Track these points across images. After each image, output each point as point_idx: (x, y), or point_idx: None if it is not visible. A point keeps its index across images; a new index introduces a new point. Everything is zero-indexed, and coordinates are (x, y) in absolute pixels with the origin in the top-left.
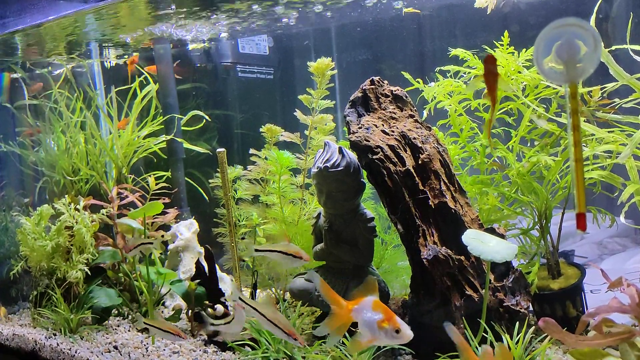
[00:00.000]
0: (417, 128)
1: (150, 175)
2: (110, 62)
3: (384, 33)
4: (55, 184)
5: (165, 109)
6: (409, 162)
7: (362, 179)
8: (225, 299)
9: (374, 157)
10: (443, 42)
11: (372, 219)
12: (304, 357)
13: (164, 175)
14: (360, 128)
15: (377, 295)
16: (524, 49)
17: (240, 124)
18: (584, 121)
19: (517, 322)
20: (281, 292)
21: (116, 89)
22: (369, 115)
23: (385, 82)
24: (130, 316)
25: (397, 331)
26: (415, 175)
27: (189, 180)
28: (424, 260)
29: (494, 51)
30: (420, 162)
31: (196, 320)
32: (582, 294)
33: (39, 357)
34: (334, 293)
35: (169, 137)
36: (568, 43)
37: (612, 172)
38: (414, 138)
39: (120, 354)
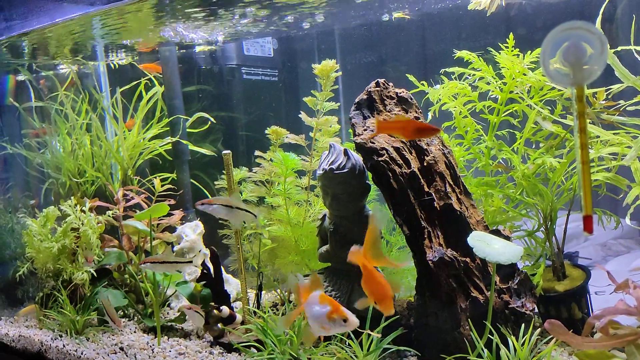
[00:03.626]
0: None
1: (155, 177)
2: (114, 63)
3: (388, 35)
4: (61, 185)
5: (171, 110)
6: (414, 164)
7: (367, 181)
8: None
9: (379, 159)
10: (448, 44)
11: None
12: (309, 358)
13: (170, 177)
14: (365, 130)
15: (322, 290)
16: (529, 51)
17: (245, 125)
18: (589, 123)
19: (523, 324)
20: (286, 293)
21: (121, 89)
22: (374, 117)
23: (390, 84)
24: (135, 317)
25: (345, 320)
26: (420, 177)
27: (194, 182)
28: (430, 262)
29: (499, 53)
30: (425, 164)
31: None
32: (588, 296)
33: (45, 358)
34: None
35: (174, 139)
36: (575, 46)
37: (617, 174)
38: (419, 140)
39: (127, 355)
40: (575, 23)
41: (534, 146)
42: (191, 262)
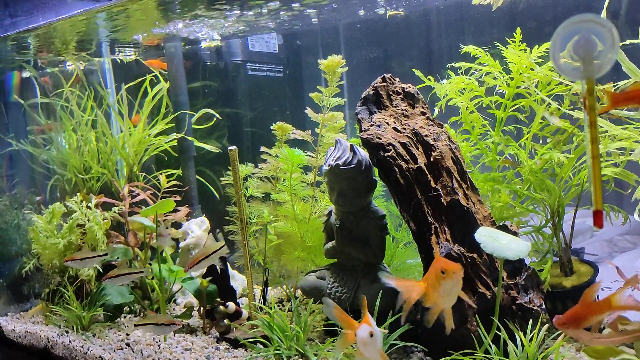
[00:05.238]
0: (428, 125)
1: (161, 173)
2: (119, 58)
3: (394, 30)
4: (66, 182)
5: (176, 107)
6: (421, 160)
7: (373, 177)
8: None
9: (386, 154)
10: (454, 39)
11: (384, 216)
12: (316, 354)
13: (175, 173)
14: (372, 125)
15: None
16: (537, 46)
17: (250, 122)
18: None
19: (530, 320)
20: (292, 289)
21: (127, 86)
22: (380, 112)
23: (397, 79)
24: (142, 313)
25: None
26: (427, 172)
27: (200, 178)
28: None
29: (506, 48)
30: (432, 159)
31: (208, 317)
32: None
33: (51, 354)
34: (347, 316)
35: (179, 135)
36: (585, 39)
37: (625, 169)
38: (426, 135)
39: (133, 351)
40: (585, 16)
41: (541, 141)
42: (142, 272)
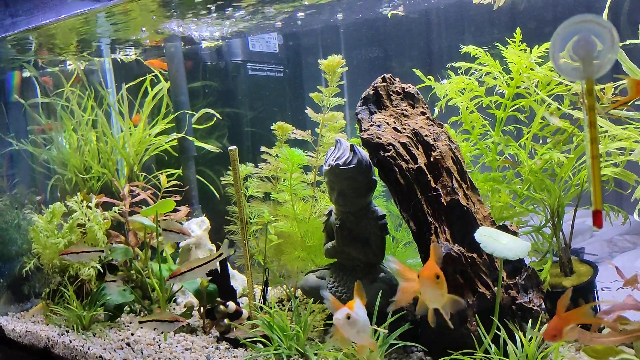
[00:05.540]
0: (429, 125)
1: (161, 173)
2: (120, 58)
3: (394, 31)
4: (67, 181)
5: (177, 106)
6: (421, 160)
7: (373, 177)
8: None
9: (386, 154)
10: (454, 39)
11: (384, 216)
12: (316, 354)
13: (175, 173)
14: (372, 125)
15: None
16: (537, 46)
17: (250, 121)
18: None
19: (530, 320)
20: (292, 289)
21: (127, 85)
22: (380, 112)
23: (397, 79)
24: (142, 313)
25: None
26: (427, 172)
27: (200, 178)
28: None
29: (506, 48)
30: (432, 159)
31: (208, 317)
32: (595, 292)
33: (51, 353)
34: (340, 306)
35: (180, 135)
36: (585, 40)
37: (625, 169)
38: (426, 135)
39: (133, 351)
40: (585, 16)
41: (541, 141)
42: (102, 251)
